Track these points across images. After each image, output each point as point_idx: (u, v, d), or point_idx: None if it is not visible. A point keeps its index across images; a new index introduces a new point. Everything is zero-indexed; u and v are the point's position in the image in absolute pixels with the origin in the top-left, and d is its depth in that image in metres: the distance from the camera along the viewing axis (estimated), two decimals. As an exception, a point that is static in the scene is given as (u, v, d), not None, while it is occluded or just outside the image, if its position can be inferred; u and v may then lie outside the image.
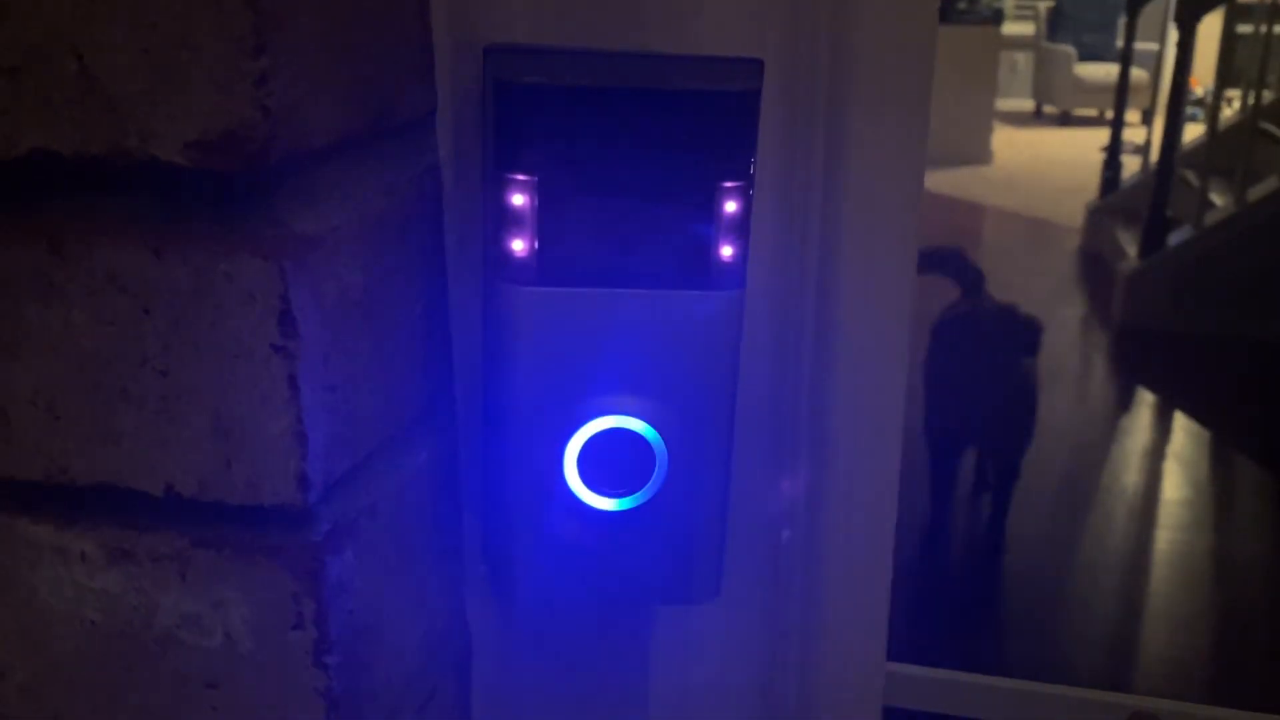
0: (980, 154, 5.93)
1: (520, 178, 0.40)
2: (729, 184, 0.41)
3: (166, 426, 0.38)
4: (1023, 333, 2.23)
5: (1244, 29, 3.88)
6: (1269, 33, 3.63)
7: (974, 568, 2.35)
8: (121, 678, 0.42)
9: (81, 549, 0.41)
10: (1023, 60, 7.56)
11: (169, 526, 0.40)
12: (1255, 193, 3.51)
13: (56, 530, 0.41)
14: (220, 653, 0.41)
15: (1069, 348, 3.56)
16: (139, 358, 0.38)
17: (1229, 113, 4.24)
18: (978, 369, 2.26)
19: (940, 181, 5.15)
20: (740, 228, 0.41)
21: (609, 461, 0.43)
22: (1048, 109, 7.40)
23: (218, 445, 0.38)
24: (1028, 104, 7.52)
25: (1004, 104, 6.87)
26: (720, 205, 0.41)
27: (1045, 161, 6.01)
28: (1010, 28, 6.91)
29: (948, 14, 6.03)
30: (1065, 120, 7.19)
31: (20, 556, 0.42)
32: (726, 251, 0.42)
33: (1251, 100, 3.73)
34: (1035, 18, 7.57)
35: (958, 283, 2.28)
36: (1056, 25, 7.32)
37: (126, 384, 0.38)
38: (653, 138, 0.40)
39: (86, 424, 0.39)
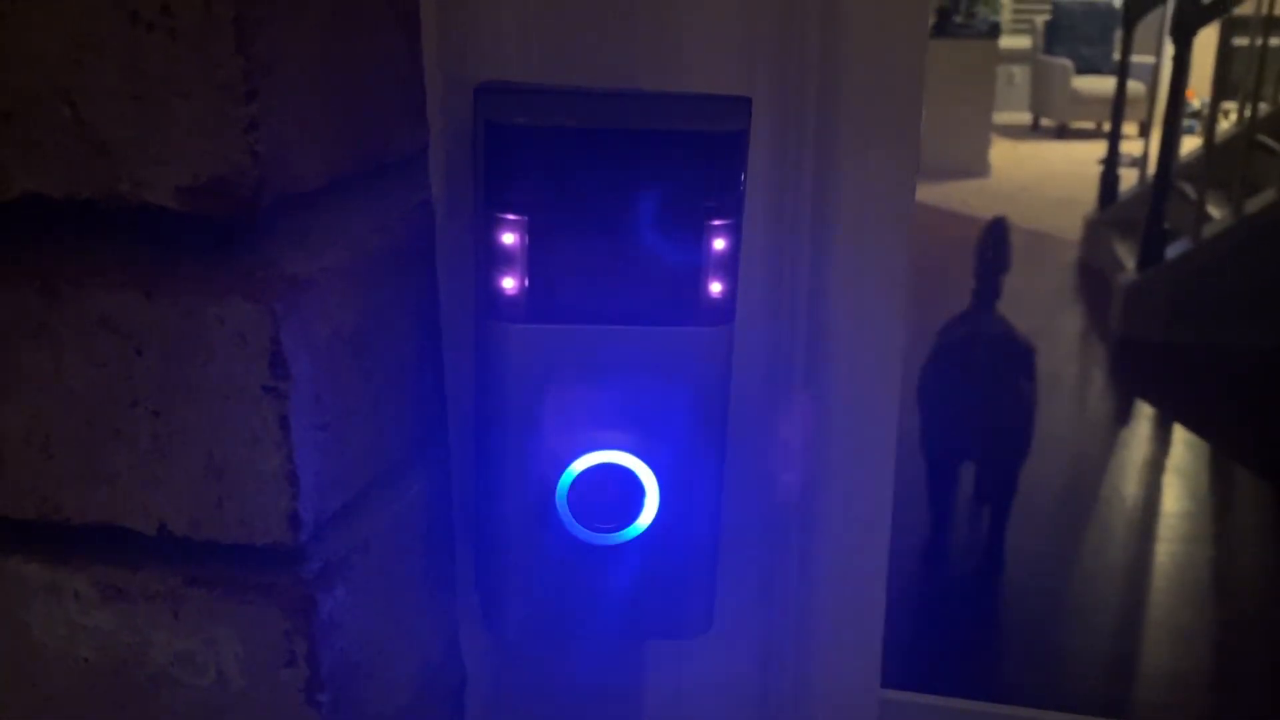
0: (978, 167, 5.93)
1: (511, 217, 0.40)
2: (717, 222, 0.41)
3: (159, 466, 0.39)
4: (1019, 358, 2.25)
5: (1240, 42, 3.90)
6: (1264, 46, 3.64)
7: (973, 581, 2.35)
8: (114, 715, 0.42)
9: (75, 587, 0.41)
10: (1020, 73, 7.58)
11: (162, 565, 0.40)
12: (1252, 205, 3.52)
13: (50, 568, 0.41)
14: (213, 691, 0.41)
15: (1067, 360, 3.56)
16: (131, 398, 0.38)
17: (1225, 125, 4.26)
18: (974, 385, 2.26)
19: (938, 194, 5.16)
20: (729, 264, 0.42)
21: (600, 496, 0.43)
22: (1045, 122, 7.41)
23: (210, 485, 0.38)
24: (1025, 117, 7.53)
25: (1001, 117, 6.88)
26: (709, 243, 0.41)
27: (1043, 174, 6.02)
28: (1007, 41, 6.92)
29: (945, 27, 6.05)
30: (1062, 133, 7.20)
31: (13, 594, 0.42)
32: (715, 288, 0.42)
33: (1248, 113, 3.74)
34: (1032, 31, 7.59)
35: (979, 263, 2.29)
36: (1053, 38, 7.34)
37: (119, 424, 0.38)
38: (642, 177, 0.40)
39: (79, 463, 0.39)
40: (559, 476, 0.43)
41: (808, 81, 0.46)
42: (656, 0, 0.45)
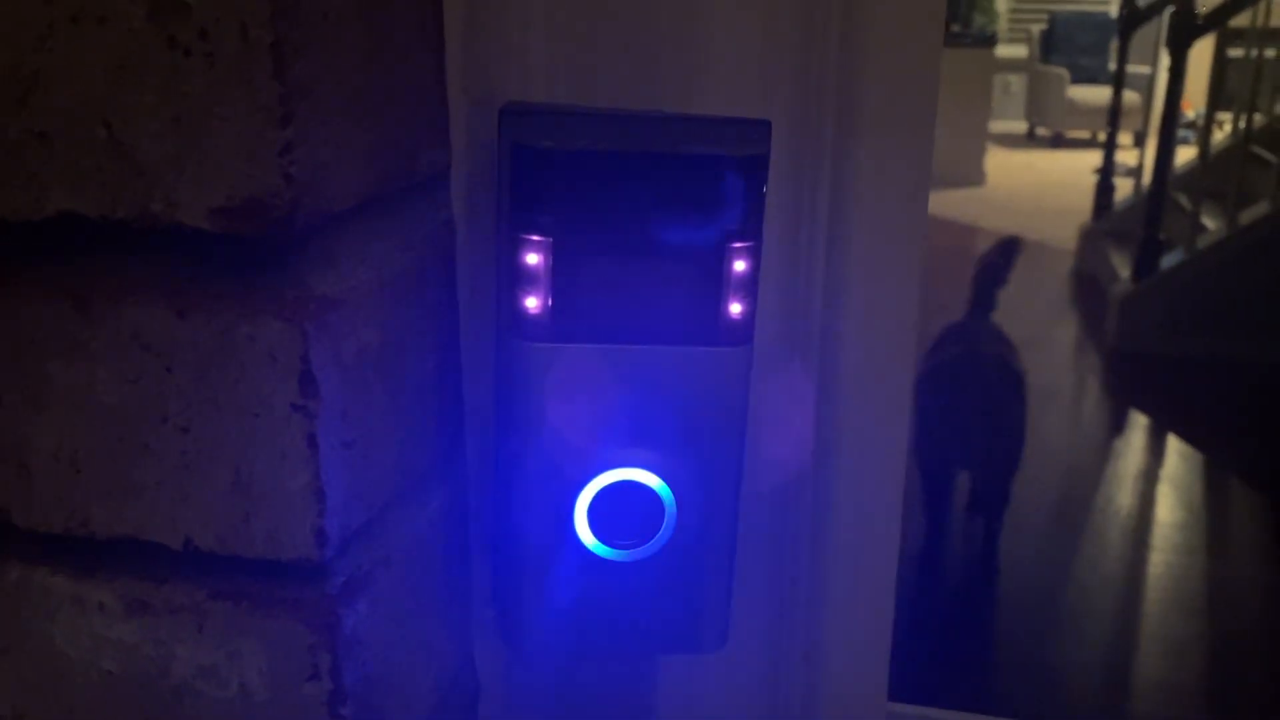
0: (974, 176, 5.95)
1: (535, 238, 0.41)
2: (738, 244, 0.42)
3: (187, 482, 0.39)
4: (1009, 383, 2.26)
5: (1235, 53, 3.92)
6: (1260, 57, 3.66)
7: (968, 591, 2.36)
8: (137, 726, 0.43)
9: (100, 599, 0.42)
10: (1016, 82, 7.61)
11: (187, 579, 0.41)
12: (1246, 216, 3.54)
13: (75, 581, 0.42)
14: (235, 704, 0.41)
15: (1062, 370, 3.57)
16: (161, 414, 0.39)
17: (1221, 136, 4.27)
18: (966, 404, 2.27)
19: (934, 203, 5.12)
20: (749, 286, 0.42)
21: (619, 513, 0.44)
22: (1041, 131, 7.44)
23: (237, 500, 0.39)
24: (1021, 126, 7.56)
25: (997, 126, 6.91)
26: (729, 265, 0.42)
27: (1038, 183, 6.04)
28: (1003, 50, 6.95)
29: (942, 36, 6.06)
30: (1058, 142, 7.22)
31: (39, 606, 0.42)
32: (735, 309, 0.42)
33: (1243, 124, 3.76)
34: (1028, 40, 7.62)
35: (980, 274, 2.32)
36: (1049, 47, 7.36)
37: (148, 440, 0.39)
38: (664, 199, 0.41)
39: (107, 478, 0.40)
40: (578, 493, 0.44)
41: (824, 104, 0.47)
42: (678, 25, 0.46)
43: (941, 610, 2.28)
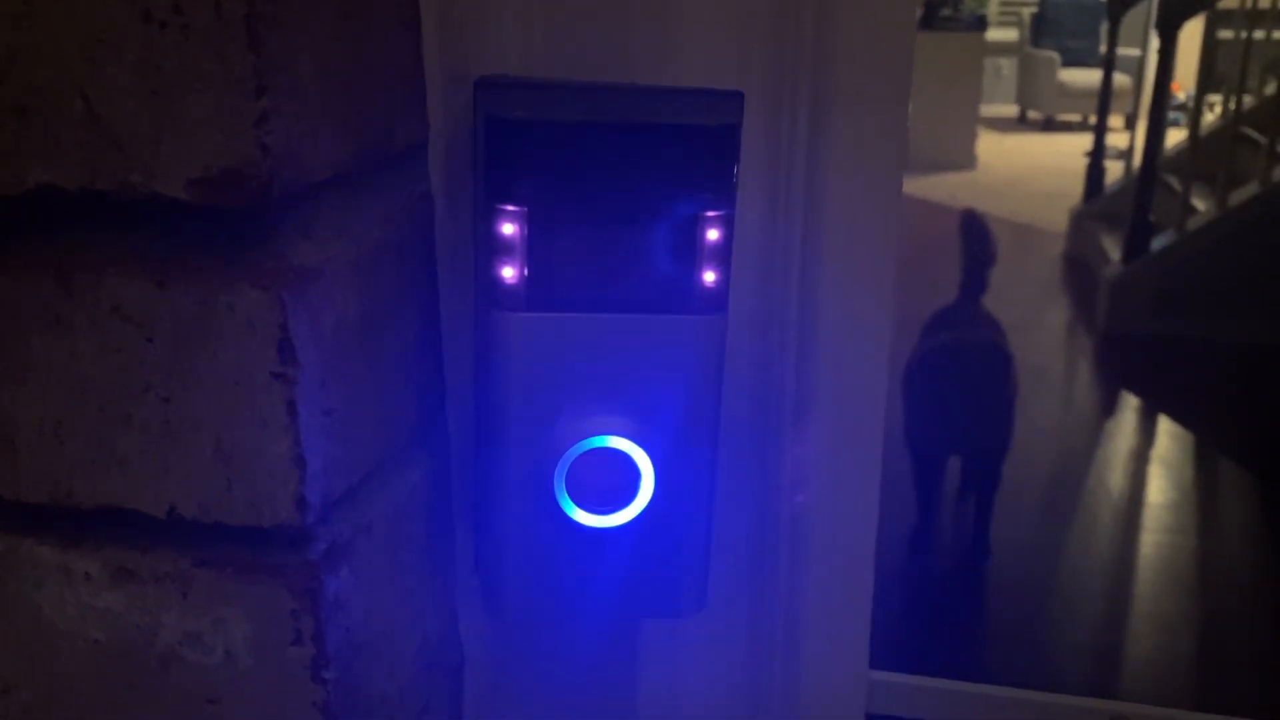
0: (965, 160, 5.95)
1: (510, 208, 0.41)
2: (711, 213, 0.42)
3: (169, 451, 0.40)
4: (999, 367, 2.27)
5: (1225, 35, 3.92)
6: (1249, 38, 3.66)
7: (960, 572, 2.37)
8: (124, 695, 0.43)
9: (85, 569, 0.42)
10: (1006, 66, 7.59)
11: (171, 547, 0.41)
12: (1236, 197, 3.54)
13: (61, 551, 0.42)
14: (221, 669, 0.42)
15: (1053, 352, 3.58)
16: (142, 385, 0.39)
17: (1210, 118, 4.28)
18: (957, 389, 2.28)
19: (925, 187, 5.17)
20: (722, 254, 0.43)
21: (597, 480, 0.45)
22: (1032, 114, 7.43)
23: (219, 469, 0.40)
24: (1012, 109, 7.55)
25: (988, 110, 6.90)
26: (703, 233, 0.42)
27: (1029, 167, 6.04)
28: (994, 33, 6.93)
29: (932, 21, 6.07)
30: (1049, 125, 7.22)
31: (25, 576, 0.43)
32: (709, 277, 0.43)
33: (1232, 105, 3.76)
34: (1019, 23, 7.61)
35: (965, 257, 2.32)
36: (1040, 31, 7.36)
37: (130, 410, 0.40)
38: (638, 169, 0.42)
39: (91, 448, 0.40)
40: (557, 460, 0.44)
41: (800, 77, 0.48)
42: (651, -3, 0.46)
43: (933, 591, 2.30)
